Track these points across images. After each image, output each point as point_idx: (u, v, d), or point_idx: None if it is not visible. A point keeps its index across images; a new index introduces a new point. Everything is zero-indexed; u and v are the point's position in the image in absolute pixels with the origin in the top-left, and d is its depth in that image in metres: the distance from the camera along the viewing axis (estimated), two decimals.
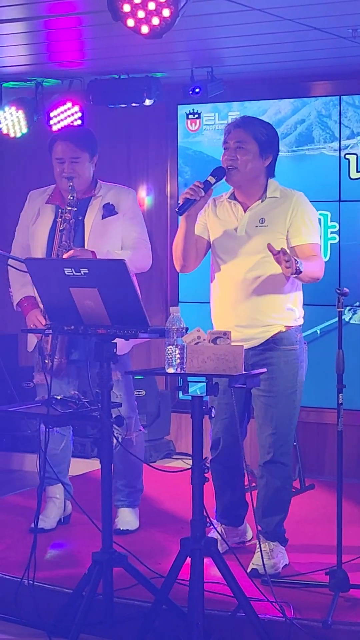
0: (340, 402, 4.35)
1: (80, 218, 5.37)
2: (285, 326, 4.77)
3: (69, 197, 5.29)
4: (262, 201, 4.80)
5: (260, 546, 4.58)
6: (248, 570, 4.57)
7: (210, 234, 4.89)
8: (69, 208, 5.27)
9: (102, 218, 5.36)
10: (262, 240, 4.65)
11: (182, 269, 4.95)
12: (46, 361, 5.30)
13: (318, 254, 4.75)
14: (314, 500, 5.30)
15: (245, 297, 4.77)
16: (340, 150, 6.84)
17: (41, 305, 5.27)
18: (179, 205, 4.72)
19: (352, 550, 4.74)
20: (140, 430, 5.52)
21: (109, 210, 5.36)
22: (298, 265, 4.44)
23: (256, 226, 4.78)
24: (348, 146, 6.82)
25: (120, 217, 5.36)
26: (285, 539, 4.89)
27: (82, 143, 5.42)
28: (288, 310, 4.79)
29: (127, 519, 5.46)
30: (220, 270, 4.85)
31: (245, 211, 4.82)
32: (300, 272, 4.47)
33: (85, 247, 5.26)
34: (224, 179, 4.78)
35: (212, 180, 4.70)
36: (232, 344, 4.38)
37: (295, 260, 4.44)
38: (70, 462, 5.64)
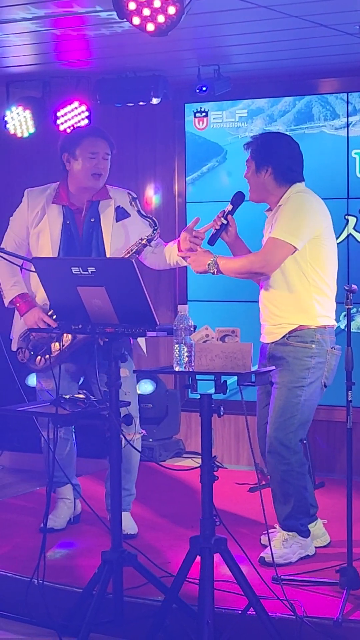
0: (349, 399, 4.35)
1: (93, 220, 5.33)
2: (300, 325, 4.84)
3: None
4: (274, 210, 4.94)
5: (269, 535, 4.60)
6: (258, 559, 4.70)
7: None
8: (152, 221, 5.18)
9: (117, 221, 5.32)
10: None
11: (255, 282, 5.13)
12: (39, 358, 5.32)
13: (264, 248, 4.84)
14: (324, 498, 5.30)
15: (265, 298, 4.95)
16: (348, 127, 6.80)
17: (38, 304, 5.28)
18: (209, 236, 5.05)
19: None
20: (141, 432, 5.50)
21: (121, 213, 5.32)
22: (209, 265, 4.85)
23: (268, 232, 4.92)
24: (351, 123, 6.80)
25: (132, 219, 5.30)
26: (304, 530, 4.90)
27: (111, 142, 5.39)
28: (300, 311, 4.85)
29: (128, 523, 5.34)
30: None
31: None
32: (212, 269, 4.85)
33: (107, 251, 5.26)
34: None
35: (229, 207, 5.00)
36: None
37: (212, 260, 4.84)
38: (75, 464, 5.63)
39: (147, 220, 5.13)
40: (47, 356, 5.27)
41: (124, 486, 5.16)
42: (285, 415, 4.81)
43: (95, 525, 5.32)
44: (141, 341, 5.37)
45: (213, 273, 4.86)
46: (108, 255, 5.25)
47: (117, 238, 5.29)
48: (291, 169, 4.91)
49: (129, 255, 5.12)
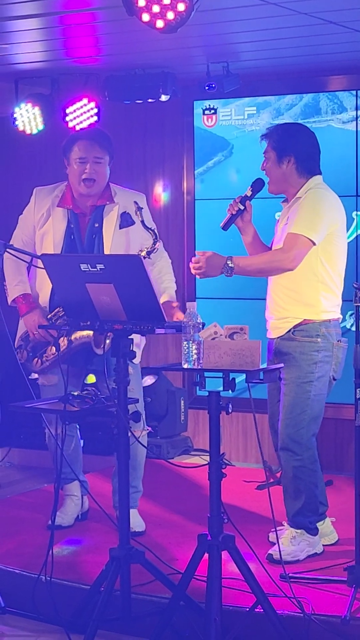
0: (357, 397, 4.34)
1: (96, 225, 5.33)
2: (305, 319, 4.83)
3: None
4: (292, 202, 4.92)
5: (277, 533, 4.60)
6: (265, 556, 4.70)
7: None
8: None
9: (120, 228, 5.32)
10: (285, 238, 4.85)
11: None
12: (36, 359, 5.34)
13: (288, 245, 4.75)
14: (332, 496, 5.28)
15: (272, 291, 4.96)
16: (357, 120, 6.77)
17: (40, 305, 5.29)
18: (223, 221, 5.01)
19: None
20: (147, 429, 5.50)
21: (126, 220, 5.31)
22: (225, 269, 4.71)
23: (284, 224, 4.91)
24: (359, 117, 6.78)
25: (136, 228, 5.25)
26: (312, 528, 4.90)
27: (104, 144, 5.35)
28: (305, 305, 4.84)
29: (135, 520, 5.32)
30: None
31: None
32: (228, 273, 4.73)
33: None
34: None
35: (249, 192, 4.95)
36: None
37: (227, 264, 4.70)
38: (82, 460, 5.64)
39: (148, 232, 5.09)
40: (44, 358, 5.30)
41: (130, 483, 5.17)
42: (295, 411, 4.81)
43: (102, 522, 5.33)
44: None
45: (227, 275, 4.77)
46: None
47: (117, 245, 5.28)
48: (313, 159, 4.94)
49: None
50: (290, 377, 4.84)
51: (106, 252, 5.28)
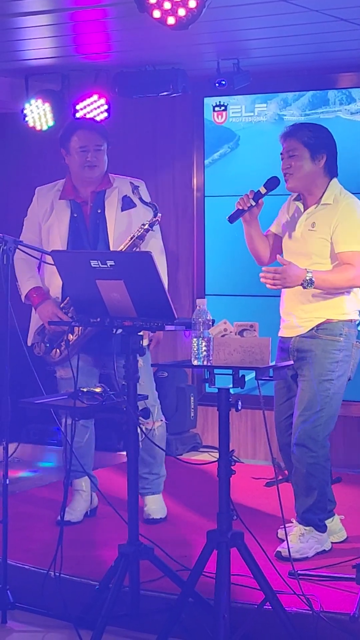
0: None
1: (99, 211, 5.39)
2: (327, 319, 4.83)
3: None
4: (316, 206, 4.90)
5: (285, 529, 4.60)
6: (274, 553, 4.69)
7: (282, 231, 5.08)
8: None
9: (122, 210, 5.38)
10: (312, 244, 4.85)
11: (258, 263, 5.14)
12: (54, 350, 5.37)
13: (354, 263, 4.75)
14: (340, 493, 5.28)
15: (291, 292, 4.89)
16: None
17: (53, 296, 5.33)
18: (231, 214, 4.95)
19: None
20: (162, 420, 5.53)
21: (127, 203, 5.38)
22: (305, 281, 4.64)
23: (309, 230, 4.89)
24: None
25: (137, 209, 5.36)
26: (321, 525, 4.90)
27: (103, 132, 5.46)
28: (328, 307, 4.84)
29: (155, 506, 5.48)
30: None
31: (303, 213, 4.96)
32: (308, 286, 4.66)
33: (110, 239, 5.32)
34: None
35: (263, 190, 4.89)
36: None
37: (308, 277, 4.64)
38: (93, 454, 5.65)
39: (149, 206, 5.17)
40: (63, 347, 5.33)
41: (151, 471, 5.45)
42: (313, 408, 4.81)
43: (112, 518, 5.33)
44: None
45: (306, 287, 4.69)
46: (111, 244, 5.31)
47: (119, 227, 5.36)
48: (336, 160, 4.95)
49: (132, 241, 5.18)
50: (310, 374, 4.83)
51: (110, 235, 5.35)
